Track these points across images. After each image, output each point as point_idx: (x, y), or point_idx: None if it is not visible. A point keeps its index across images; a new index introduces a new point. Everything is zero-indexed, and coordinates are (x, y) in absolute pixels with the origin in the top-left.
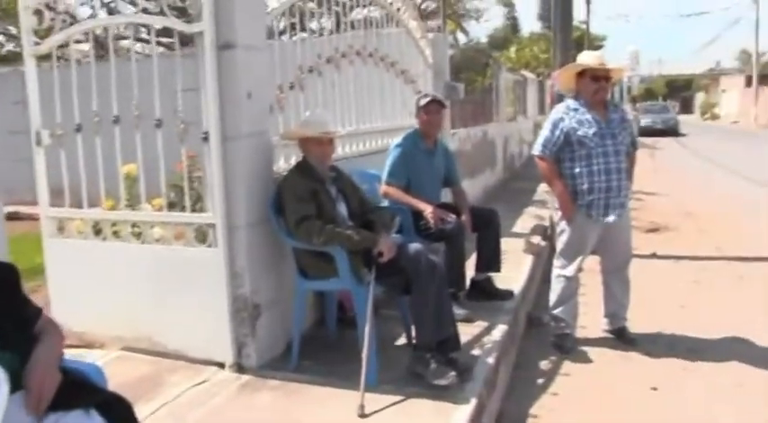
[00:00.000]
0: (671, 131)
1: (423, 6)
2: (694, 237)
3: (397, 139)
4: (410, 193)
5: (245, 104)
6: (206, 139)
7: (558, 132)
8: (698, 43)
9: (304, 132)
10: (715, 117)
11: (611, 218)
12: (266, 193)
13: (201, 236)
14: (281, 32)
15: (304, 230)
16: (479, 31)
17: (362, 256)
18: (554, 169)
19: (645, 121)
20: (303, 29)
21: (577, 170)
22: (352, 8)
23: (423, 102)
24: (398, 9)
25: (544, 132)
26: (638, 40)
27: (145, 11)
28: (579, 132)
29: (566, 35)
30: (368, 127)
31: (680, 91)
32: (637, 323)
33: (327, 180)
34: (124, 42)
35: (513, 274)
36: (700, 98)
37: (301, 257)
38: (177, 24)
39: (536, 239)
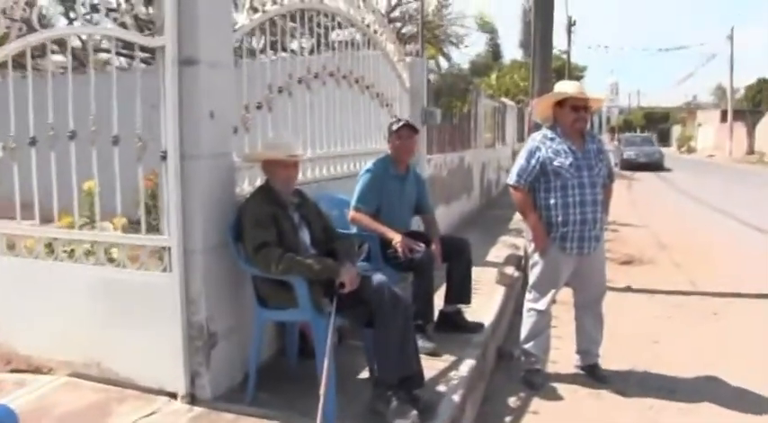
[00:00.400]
0: (655, 166)
1: (403, 31)
2: (669, 270)
3: (368, 164)
4: (379, 220)
5: (206, 123)
6: (164, 157)
7: (533, 162)
8: (675, 77)
9: (267, 155)
10: (691, 150)
11: (585, 251)
12: (226, 217)
13: (157, 259)
14: (261, 51)
15: (262, 258)
16: (461, 56)
17: (324, 286)
18: (528, 200)
19: (627, 153)
20: (284, 49)
21: (552, 201)
22: (332, 29)
23: (395, 126)
24: (376, 31)
25: (519, 161)
26: (617, 72)
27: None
28: (555, 162)
29: (545, 62)
30: (340, 150)
31: (657, 123)
32: (609, 359)
33: (290, 205)
34: (102, 55)
35: (484, 305)
36: (677, 131)
37: (260, 286)
38: (138, 38)
39: (509, 270)
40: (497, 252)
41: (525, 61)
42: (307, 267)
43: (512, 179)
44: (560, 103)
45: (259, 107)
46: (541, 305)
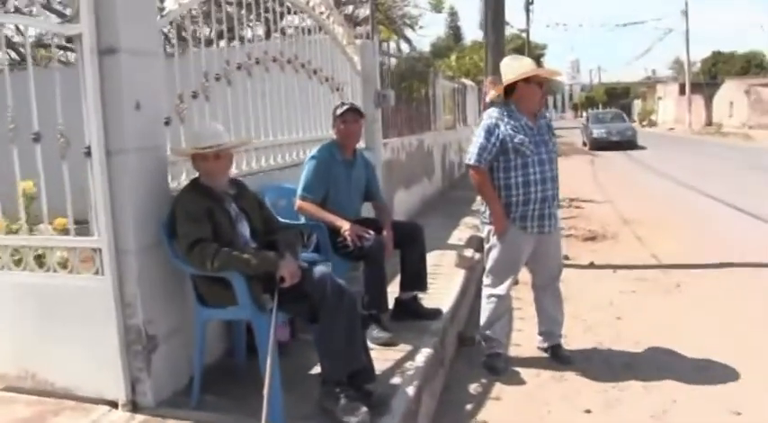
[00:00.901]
0: (628, 144)
1: (354, 13)
2: (632, 245)
3: (313, 151)
4: (327, 208)
5: (132, 115)
6: (88, 153)
7: (493, 139)
8: (634, 52)
9: (187, 148)
10: (653, 124)
11: (546, 229)
12: (161, 214)
13: (89, 262)
14: (210, 41)
15: (197, 255)
16: (422, 40)
17: (265, 281)
18: (489, 180)
19: (597, 132)
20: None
21: (513, 180)
22: (282, 15)
23: (339, 110)
24: (322, 14)
25: (478, 140)
26: (578, 49)
27: (18, 11)
28: (516, 139)
29: (497, 41)
30: (288, 138)
31: (619, 98)
32: (572, 338)
33: (226, 197)
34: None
35: (443, 290)
36: (638, 106)
37: (199, 284)
38: (52, 26)
39: (469, 252)
40: (460, 234)
41: (486, 42)
42: (243, 262)
43: (471, 158)
44: (527, 80)
45: (195, 96)
46: (501, 290)
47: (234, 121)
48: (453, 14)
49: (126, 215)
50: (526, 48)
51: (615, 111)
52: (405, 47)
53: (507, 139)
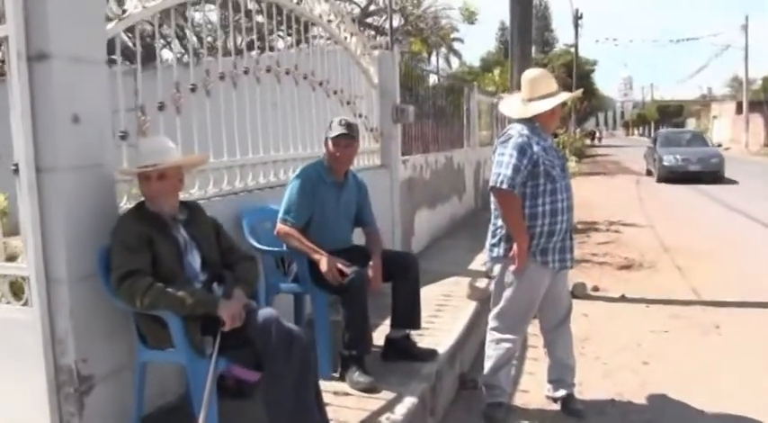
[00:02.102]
0: (712, 177)
1: (381, 25)
2: (671, 276)
3: (298, 170)
4: (308, 235)
5: (67, 129)
6: (16, 170)
7: (525, 161)
8: (689, 69)
9: (125, 167)
10: None
11: (568, 263)
12: (103, 240)
13: (19, 291)
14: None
15: (126, 289)
16: (472, 54)
17: (206, 322)
18: (521, 210)
19: (670, 158)
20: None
21: (540, 208)
22: (281, 23)
23: (331, 133)
24: (331, 22)
25: (509, 160)
26: (630, 65)
27: None
28: (547, 161)
29: (524, 52)
30: (279, 155)
31: (671, 117)
32: (589, 385)
33: (173, 223)
34: None
35: (448, 324)
36: (691, 124)
37: (139, 321)
38: None
39: (482, 283)
40: (483, 258)
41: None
42: (177, 302)
43: (503, 181)
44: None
45: (161, 108)
46: (513, 335)
47: (214, 136)
48: (504, 29)
49: (58, 240)
50: (574, 63)
51: (694, 130)
52: (455, 61)
53: (540, 160)
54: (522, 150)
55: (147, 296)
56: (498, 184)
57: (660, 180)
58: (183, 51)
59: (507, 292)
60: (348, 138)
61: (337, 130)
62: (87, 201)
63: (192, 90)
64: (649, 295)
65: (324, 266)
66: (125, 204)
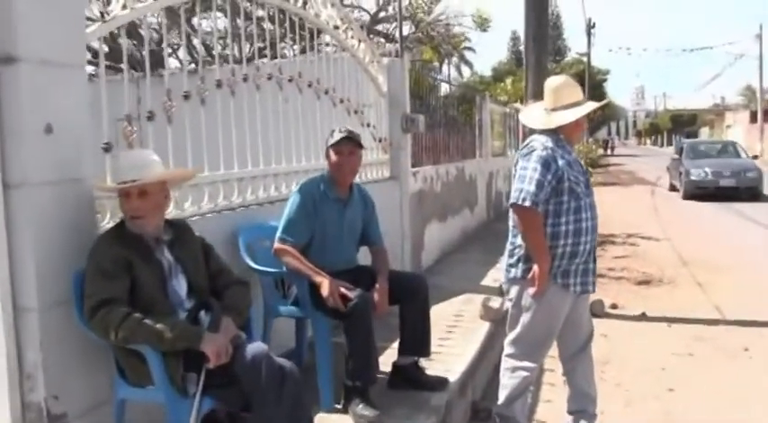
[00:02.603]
0: (749, 193)
1: (391, 33)
2: (692, 292)
3: (299, 184)
4: (310, 255)
5: (40, 141)
6: None
7: (549, 176)
8: (702, 78)
9: (102, 183)
10: None
11: (590, 287)
12: (77, 263)
13: None
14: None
15: (100, 320)
16: (483, 63)
17: (190, 357)
18: (543, 229)
19: (699, 172)
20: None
21: (563, 228)
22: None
23: (332, 140)
24: (337, 28)
25: (532, 175)
26: (642, 75)
27: None
28: (571, 177)
29: (539, 60)
30: (282, 167)
31: (684, 126)
32: (610, 415)
33: (156, 246)
34: None
35: (460, 348)
36: (704, 133)
37: (117, 354)
38: None
39: (496, 302)
40: (497, 274)
41: (526, 62)
42: (156, 335)
43: (526, 198)
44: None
45: (150, 118)
46: (531, 363)
47: (210, 147)
48: (516, 39)
49: (27, 263)
50: (587, 72)
51: (727, 140)
52: (466, 70)
53: (564, 175)
54: (547, 164)
55: (122, 329)
56: (520, 201)
57: (687, 196)
58: (189, 58)
59: (525, 317)
60: (351, 143)
61: (339, 136)
62: (62, 219)
63: (186, 98)
64: (670, 313)
65: (325, 291)
66: (107, 223)
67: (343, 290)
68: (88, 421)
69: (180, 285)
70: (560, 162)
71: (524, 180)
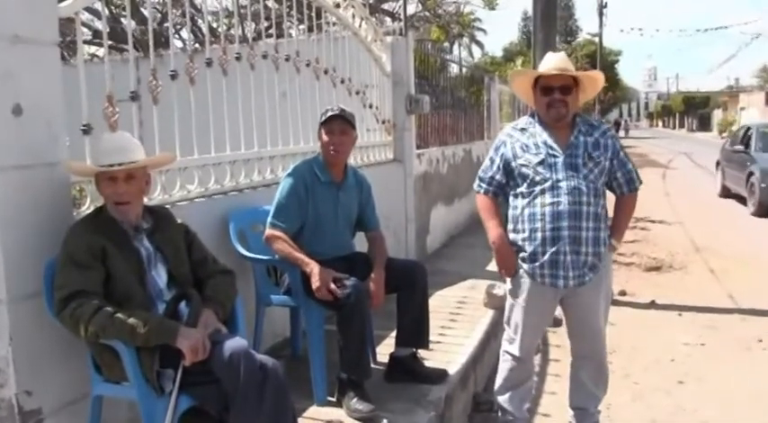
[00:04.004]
0: None
1: (396, 10)
2: (704, 279)
3: (290, 167)
4: (303, 241)
5: (8, 122)
6: None
7: (497, 160)
8: (715, 59)
9: (80, 167)
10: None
11: (560, 282)
12: (49, 252)
13: None
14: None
15: (69, 313)
16: (494, 43)
17: (167, 353)
18: (491, 207)
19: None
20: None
21: (518, 211)
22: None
23: (323, 117)
24: (338, 5)
25: (486, 160)
26: (655, 56)
27: None
28: (519, 160)
29: (548, 38)
30: (278, 149)
31: (697, 108)
32: (617, 408)
33: (135, 233)
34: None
35: (462, 337)
36: (717, 115)
37: (92, 348)
38: None
39: (501, 289)
40: None
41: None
42: (127, 330)
43: (476, 180)
44: (534, 83)
45: (134, 98)
46: (516, 349)
47: (198, 129)
48: (527, 19)
49: None
50: (598, 53)
51: None
52: (477, 51)
53: (510, 159)
54: (495, 149)
55: (93, 323)
56: (474, 184)
57: (763, 211)
58: (193, 39)
59: (509, 300)
60: (342, 122)
61: (329, 114)
62: (34, 206)
63: (173, 77)
64: (681, 301)
65: (315, 281)
66: (87, 208)
67: (332, 286)
68: (64, 417)
69: (159, 276)
70: (508, 147)
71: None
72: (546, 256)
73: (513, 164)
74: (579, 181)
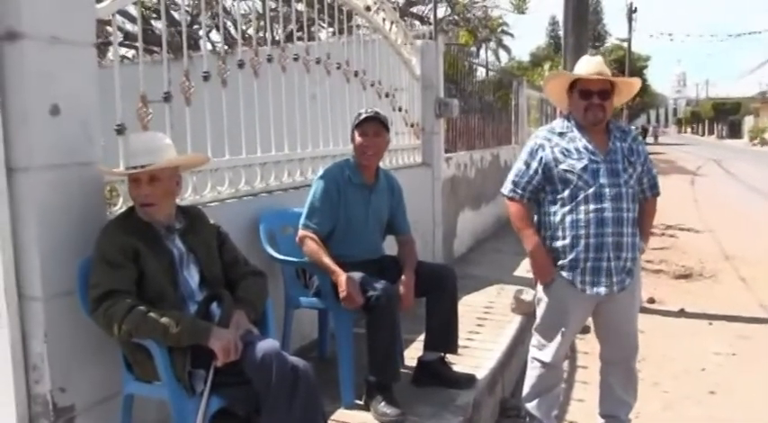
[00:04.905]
0: None
1: (426, 14)
2: (735, 288)
3: (322, 170)
4: (333, 244)
5: (46, 123)
6: None
7: (534, 165)
8: (747, 65)
9: (110, 168)
10: (765, 143)
11: (602, 290)
12: (83, 251)
13: None
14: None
15: (103, 312)
16: (521, 48)
17: (199, 353)
18: (526, 214)
19: None
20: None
21: (558, 217)
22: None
23: (358, 119)
24: (369, 9)
25: (518, 164)
26: (684, 61)
27: None
28: (563, 165)
29: (579, 42)
30: (308, 152)
31: (727, 114)
32: (647, 418)
33: (166, 234)
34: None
35: (490, 343)
36: (749, 122)
37: (124, 347)
38: None
39: (529, 294)
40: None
41: (564, 44)
42: (160, 330)
43: (506, 187)
44: (571, 87)
45: (167, 99)
46: (546, 356)
47: (229, 130)
48: (554, 23)
49: (32, 251)
50: (627, 59)
51: None
52: (504, 55)
53: (552, 164)
54: (531, 153)
55: (126, 322)
56: (503, 189)
57: None
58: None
59: (540, 307)
60: (377, 124)
61: (364, 116)
62: (69, 205)
63: (205, 79)
64: (711, 310)
65: (342, 290)
66: (120, 208)
67: (359, 298)
68: (96, 414)
69: (191, 276)
70: (548, 151)
71: (513, 168)
72: (589, 264)
73: (555, 169)
74: (620, 187)
